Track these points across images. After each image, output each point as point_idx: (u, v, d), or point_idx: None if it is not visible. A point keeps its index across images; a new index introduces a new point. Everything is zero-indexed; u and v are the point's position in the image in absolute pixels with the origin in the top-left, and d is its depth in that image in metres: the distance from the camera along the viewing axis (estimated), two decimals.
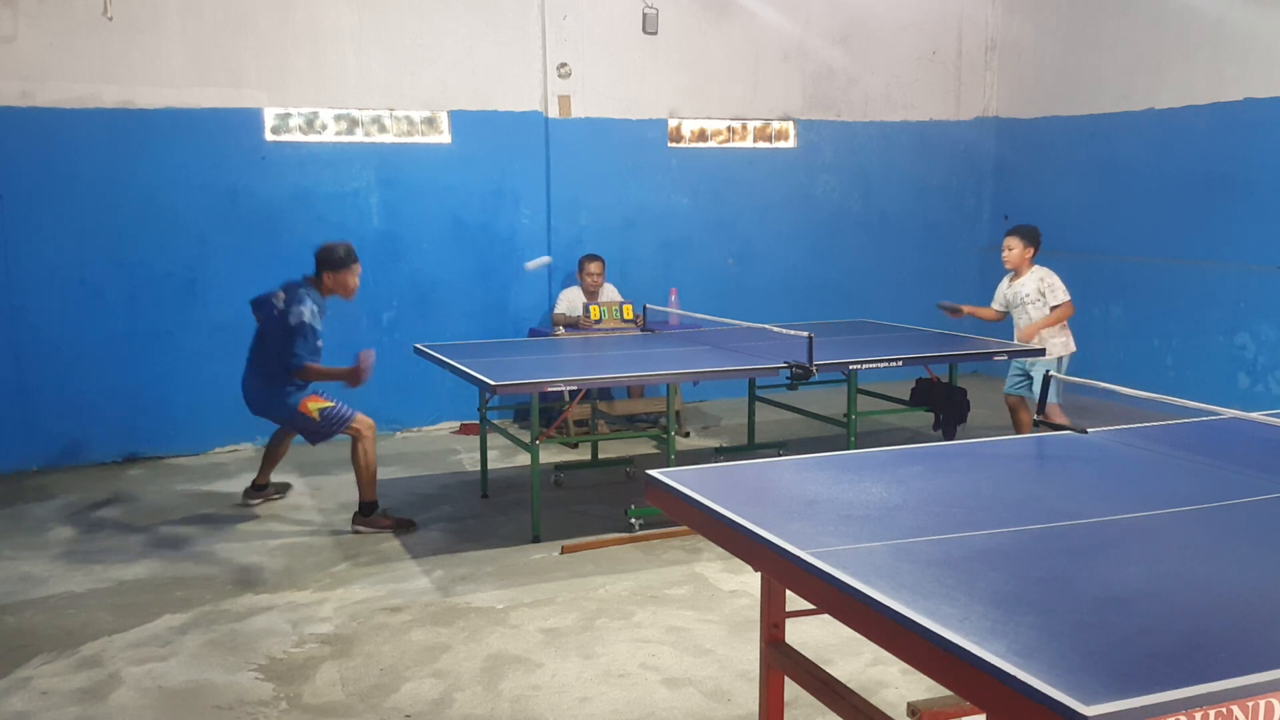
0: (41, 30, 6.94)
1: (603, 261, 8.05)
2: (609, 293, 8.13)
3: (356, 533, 5.81)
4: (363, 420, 5.85)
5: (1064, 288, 6.52)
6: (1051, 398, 6.13)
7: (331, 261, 5.90)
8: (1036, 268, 6.62)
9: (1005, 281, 6.78)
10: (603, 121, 8.56)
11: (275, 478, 6.54)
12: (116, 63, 7.14)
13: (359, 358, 5.72)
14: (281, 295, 5.80)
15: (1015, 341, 6.59)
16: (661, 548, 5.50)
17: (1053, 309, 6.46)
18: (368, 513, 5.85)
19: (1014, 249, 6.59)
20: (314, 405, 5.81)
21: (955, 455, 3.46)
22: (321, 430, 5.86)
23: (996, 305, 6.85)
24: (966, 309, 6.93)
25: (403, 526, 5.85)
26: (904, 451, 3.45)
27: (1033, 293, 6.53)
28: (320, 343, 5.87)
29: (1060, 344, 6.53)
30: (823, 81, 9.33)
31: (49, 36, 6.96)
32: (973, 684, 1.83)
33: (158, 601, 4.88)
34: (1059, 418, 5.89)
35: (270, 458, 6.38)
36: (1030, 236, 6.62)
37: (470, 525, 5.95)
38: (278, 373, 5.79)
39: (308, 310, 5.74)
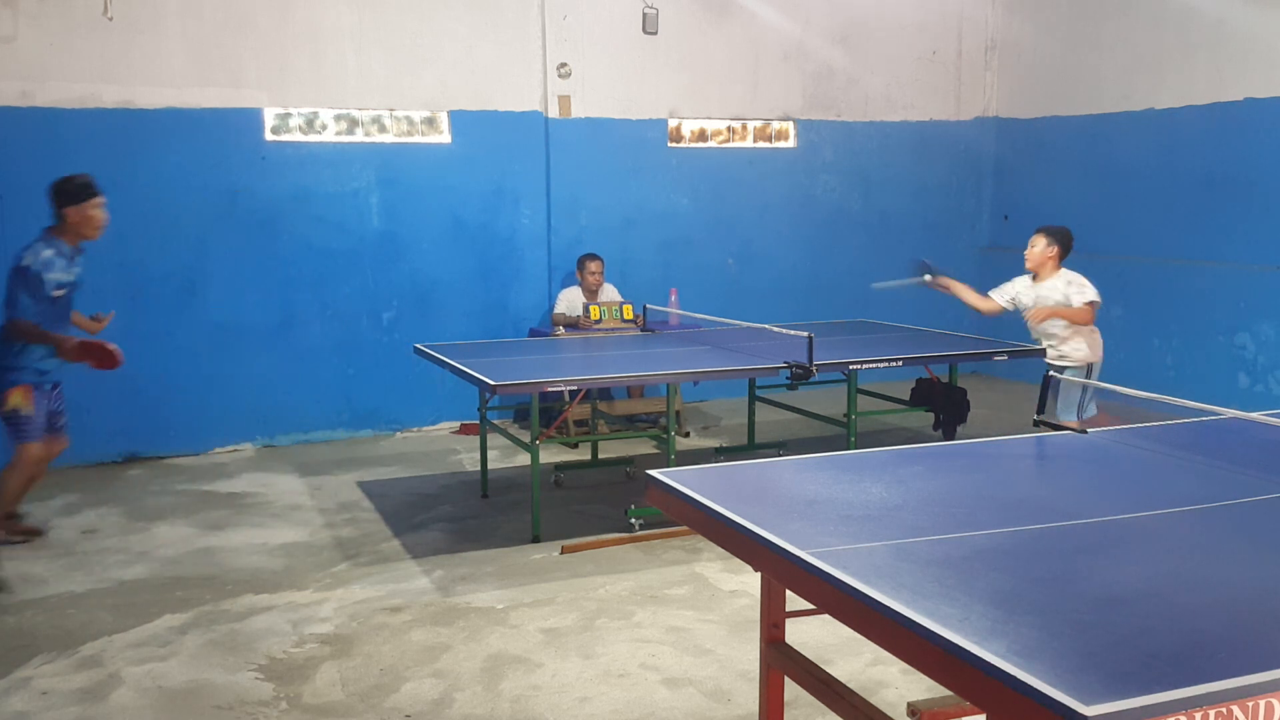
0: (41, 30, 6.95)
1: (602, 260, 8.06)
2: (609, 293, 8.14)
3: None
4: (37, 450, 5.34)
5: (1095, 291, 5.99)
6: (1071, 413, 5.84)
7: (70, 193, 5.30)
8: (1064, 271, 6.09)
9: (1026, 281, 6.24)
10: (603, 121, 8.56)
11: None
12: (116, 63, 7.14)
13: (99, 343, 5.25)
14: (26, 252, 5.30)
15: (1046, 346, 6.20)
16: (661, 548, 5.50)
17: (1084, 304, 5.95)
18: None
19: (1035, 247, 6.10)
20: (17, 397, 5.23)
21: (955, 455, 3.46)
22: (3, 424, 5.32)
23: (1000, 299, 6.30)
24: (948, 283, 6.38)
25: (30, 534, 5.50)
26: (904, 451, 3.45)
27: (1060, 298, 6.02)
28: (57, 294, 5.29)
29: (1076, 349, 6.08)
30: (823, 81, 9.33)
31: (49, 36, 6.96)
32: (973, 684, 1.83)
33: (158, 601, 4.88)
34: (1107, 422, 5.71)
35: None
36: (1057, 236, 6.10)
37: (470, 525, 5.95)
38: (5, 333, 5.24)
39: (31, 255, 5.19)
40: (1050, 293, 6.10)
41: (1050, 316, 6.03)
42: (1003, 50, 9.92)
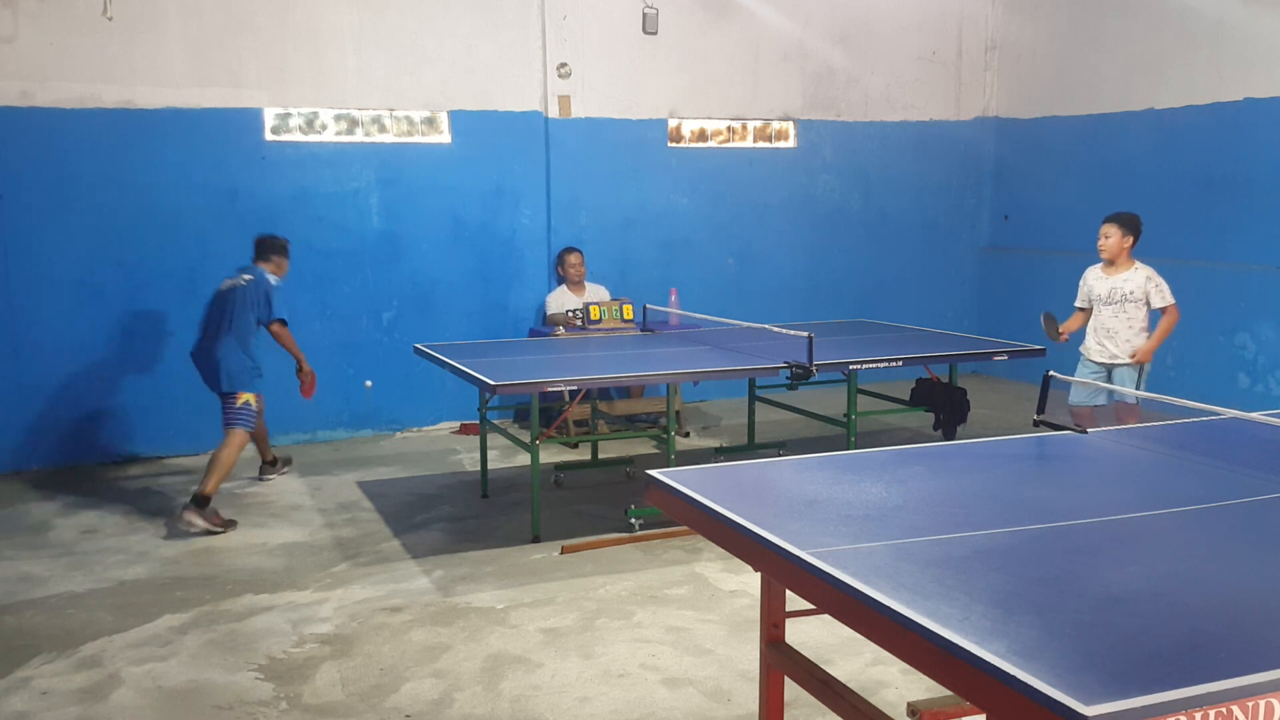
0: (41, 30, 6.94)
1: (582, 253, 8.08)
2: (597, 292, 8.14)
3: (185, 520, 5.79)
4: (245, 437, 6.13)
5: (1169, 289, 5.97)
6: (1128, 400, 5.90)
7: (283, 248, 6.56)
8: (1140, 265, 6.01)
9: (1095, 271, 6.15)
10: (603, 121, 8.56)
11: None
12: (116, 63, 7.14)
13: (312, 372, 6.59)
14: (245, 276, 6.27)
15: (1092, 340, 6.09)
16: (661, 548, 5.50)
17: (1163, 311, 5.95)
18: (203, 505, 5.86)
19: (1111, 237, 5.97)
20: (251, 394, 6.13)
21: (955, 455, 3.46)
22: (230, 414, 6.05)
23: (1080, 302, 6.20)
24: (1065, 330, 6.19)
25: (230, 525, 5.95)
26: (904, 451, 3.45)
27: (1138, 290, 5.94)
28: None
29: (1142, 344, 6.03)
30: (823, 81, 9.33)
31: (49, 36, 6.96)
32: (973, 684, 1.83)
33: (158, 601, 4.88)
34: (1131, 419, 5.70)
35: (259, 437, 6.82)
36: (1129, 224, 5.98)
37: (470, 525, 5.95)
38: (243, 340, 6.12)
39: (264, 278, 6.27)
40: (1125, 284, 5.99)
41: (1153, 348, 5.98)
42: (1003, 50, 9.92)
